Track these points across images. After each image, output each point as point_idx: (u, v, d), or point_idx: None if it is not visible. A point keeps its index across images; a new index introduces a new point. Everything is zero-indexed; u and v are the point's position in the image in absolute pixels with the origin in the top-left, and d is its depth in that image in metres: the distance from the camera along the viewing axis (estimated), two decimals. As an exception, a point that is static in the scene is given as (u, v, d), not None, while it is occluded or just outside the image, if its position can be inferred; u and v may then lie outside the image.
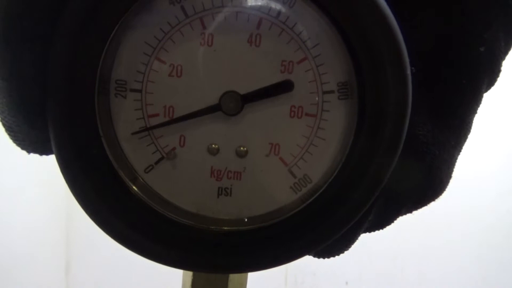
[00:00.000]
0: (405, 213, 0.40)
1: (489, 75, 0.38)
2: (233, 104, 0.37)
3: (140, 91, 0.38)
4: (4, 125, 0.36)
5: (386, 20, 0.32)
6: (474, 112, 0.40)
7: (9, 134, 0.36)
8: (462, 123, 0.39)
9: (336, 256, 0.41)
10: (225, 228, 0.39)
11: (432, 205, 0.42)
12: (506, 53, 0.38)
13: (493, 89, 0.41)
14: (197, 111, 0.37)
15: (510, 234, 1.31)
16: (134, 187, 0.38)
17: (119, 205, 0.37)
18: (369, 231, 0.41)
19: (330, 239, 0.36)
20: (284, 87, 0.37)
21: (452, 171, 0.40)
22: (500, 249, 1.31)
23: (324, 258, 0.41)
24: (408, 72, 0.33)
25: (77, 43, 0.33)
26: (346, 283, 1.32)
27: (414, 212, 0.42)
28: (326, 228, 0.36)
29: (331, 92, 0.38)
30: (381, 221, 0.40)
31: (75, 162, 0.35)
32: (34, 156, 0.39)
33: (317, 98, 0.38)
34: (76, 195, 0.36)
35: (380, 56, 0.33)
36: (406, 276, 1.33)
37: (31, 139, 0.36)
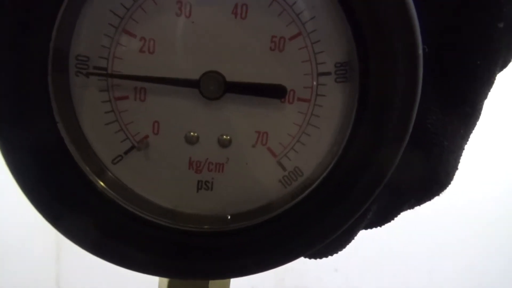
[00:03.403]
0: (407, 209, 0.36)
1: (505, 55, 0.34)
2: (214, 87, 0.32)
3: (105, 69, 0.32)
4: None
5: None
6: (486, 96, 0.36)
7: None
8: (473, 110, 0.35)
9: (329, 256, 0.37)
10: (206, 228, 0.34)
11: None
12: None
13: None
14: (170, 78, 0.32)
15: (498, 220, 1.31)
16: (99, 181, 0.33)
17: (82, 204, 0.32)
18: (367, 229, 0.37)
19: (325, 241, 0.32)
20: (275, 92, 0.32)
21: (458, 162, 0.36)
22: (490, 235, 1.31)
23: (316, 259, 0.37)
24: (420, 51, 0.28)
25: (22, 7, 0.27)
26: (336, 270, 1.30)
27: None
28: (321, 229, 0.32)
29: (328, 73, 0.33)
30: (381, 218, 0.36)
31: (24, 156, 0.29)
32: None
33: (311, 81, 0.33)
34: (28, 195, 0.30)
35: (389, 32, 0.28)
36: (394, 263, 1.32)
37: None
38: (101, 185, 0.33)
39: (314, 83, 0.33)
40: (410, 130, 0.30)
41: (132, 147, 0.34)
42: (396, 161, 0.30)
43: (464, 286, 1.36)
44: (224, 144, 0.34)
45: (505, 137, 1.23)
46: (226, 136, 0.34)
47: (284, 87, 0.32)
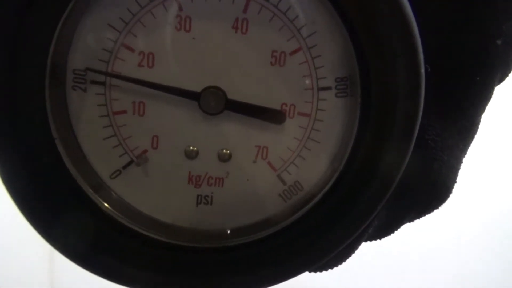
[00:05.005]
0: (407, 222, 0.37)
1: (502, 70, 0.34)
2: (214, 103, 0.32)
3: (103, 83, 0.32)
4: None
5: (401, 7, 0.27)
6: (484, 110, 0.36)
7: None
8: (471, 124, 0.35)
9: (329, 270, 0.37)
10: (205, 244, 0.34)
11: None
12: None
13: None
14: (171, 87, 0.32)
15: (495, 227, 1.33)
16: (97, 196, 0.33)
17: (77, 220, 0.31)
18: (366, 241, 0.38)
19: (327, 257, 0.32)
20: (274, 118, 0.33)
21: (457, 176, 0.36)
22: (485, 239, 1.33)
23: (316, 272, 0.37)
24: (423, 71, 0.28)
25: (21, 21, 0.27)
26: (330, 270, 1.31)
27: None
28: (323, 244, 0.32)
29: (328, 88, 0.33)
30: (381, 232, 0.36)
31: (20, 172, 0.29)
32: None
33: (311, 96, 0.33)
34: (23, 210, 0.30)
35: (391, 50, 0.28)
36: (388, 263, 1.33)
37: None
38: (99, 200, 0.33)
39: (315, 98, 0.33)
40: (412, 146, 0.30)
41: (131, 162, 0.34)
42: (398, 177, 0.30)
43: (458, 285, 1.38)
44: (224, 159, 0.34)
45: (502, 146, 1.25)
46: (226, 150, 0.34)
47: (283, 113, 0.32)
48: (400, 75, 0.28)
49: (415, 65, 0.28)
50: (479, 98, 0.34)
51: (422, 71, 0.28)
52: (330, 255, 0.32)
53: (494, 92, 0.37)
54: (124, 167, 0.34)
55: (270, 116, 0.32)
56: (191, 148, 0.34)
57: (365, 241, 0.38)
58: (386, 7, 0.27)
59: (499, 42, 0.32)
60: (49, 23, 0.28)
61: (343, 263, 0.39)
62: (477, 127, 0.36)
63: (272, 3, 0.31)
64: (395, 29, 0.27)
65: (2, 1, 0.27)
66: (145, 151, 0.34)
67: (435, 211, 0.37)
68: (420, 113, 0.29)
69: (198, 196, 0.35)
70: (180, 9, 0.31)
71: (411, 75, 0.28)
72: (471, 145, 0.38)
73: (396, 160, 0.30)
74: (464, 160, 0.38)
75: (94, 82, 0.32)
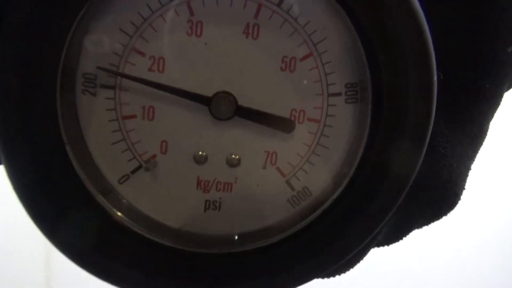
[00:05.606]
0: (416, 229, 0.37)
1: (511, 78, 0.34)
2: (225, 108, 0.32)
3: (113, 87, 0.32)
4: None
5: (415, 14, 0.27)
6: (492, 117, 0.36)
7: None
8: (480, 131, 0.35)
9: (337, 276, 0.37)
10: (213, 250, 0.33)
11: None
12: None
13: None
14: (181, 89, 0.31)
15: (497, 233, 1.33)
16: (105, 201, 0.33)
17: (85, 223, 0.31)
18: (374, 247, 0.37)
19: (337, 264, 0.32)
20: (283, 126, 0.33)
21: (465, 183, 0.36)
22: (484, 244, 1.34)
23: (323, 278, 0.37)
24: (435, 78, 0.28)
25: (34, 26, 0.27)
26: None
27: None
28: (333, 251, 0.32)
29: (338, 94, 0.33)
30: (390, 239, 0.36)
31: (30, 176, 0.29)
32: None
33: (321, 101, 0.33)
34: (32, 214, 0.29)
35: (404, 58, 0.28)
36: (387, 267, 1.33)
37: None
38: (107, 205, 0.33)
39: (325, 103, 0.33)
40: (423, 154, 0.30)
41: (139, 167, 0.33)
42: (409, 184, 0.30)
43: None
44: (232, 164, 0.34)
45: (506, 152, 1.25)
46: (235, 155, 0.34)
47: (293, 122, 0.33)
48: (412, 83, 0.28)
49: (428, 73, 0.27)
50: (488, 105, 0.34)
51: (435, 79, 0.28)
52: (341, 262, 0.32)
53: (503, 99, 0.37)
54: (133, 172, 0.34)
55: (280, 124, 0.32)
56: (200, 153, 0.34)
57: (374, 247, 0.38)
58: (399, 14, 0.27)
59: (509, 50, 0.32)
60: (62, 27, 0.28)
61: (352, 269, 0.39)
62: (486, 134, 0.36)
63: (283, 8, 0.31)
64: (408, 37, 0.27)
65: (16, 5, 0.27)
66: (154, 156, 0.33)
67: (443, 217, 0.37)
68: (432, 121, 0.29)
69: (206, 201, 0.35)
70: (192, 13, 0.31)
71: (423, 82, 0.28)
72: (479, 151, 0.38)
73: (407, 167, 0.30)
74: (472, 166, 0.38)
75: (103, 86, 0.32)
